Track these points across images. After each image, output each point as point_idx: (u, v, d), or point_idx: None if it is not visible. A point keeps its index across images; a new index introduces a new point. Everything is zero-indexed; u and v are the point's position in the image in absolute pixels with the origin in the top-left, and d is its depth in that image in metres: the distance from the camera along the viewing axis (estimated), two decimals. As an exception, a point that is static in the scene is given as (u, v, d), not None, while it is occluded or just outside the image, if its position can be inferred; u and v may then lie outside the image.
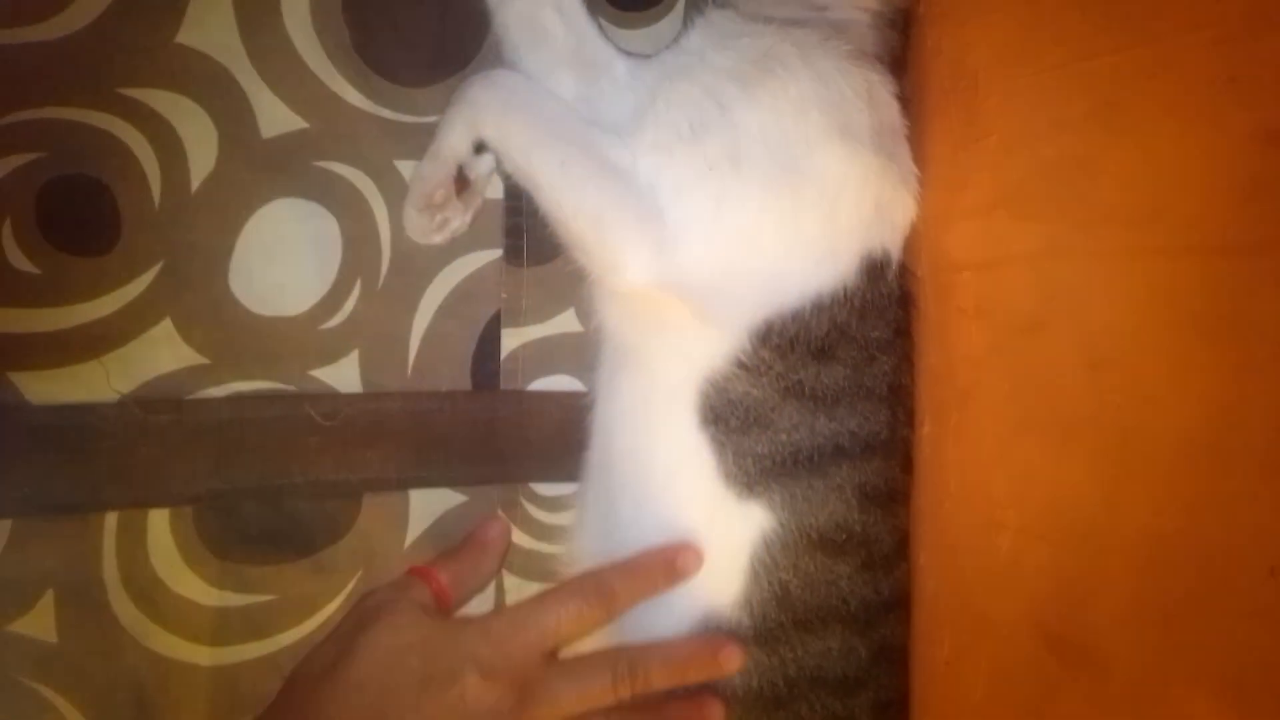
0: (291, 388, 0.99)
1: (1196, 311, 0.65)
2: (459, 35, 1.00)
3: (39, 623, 0.93)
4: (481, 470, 1.05)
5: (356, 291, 1.00)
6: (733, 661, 0.91)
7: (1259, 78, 0.61)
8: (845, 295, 0.91)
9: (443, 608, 0.90)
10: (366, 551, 1.02)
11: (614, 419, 1.00)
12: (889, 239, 0.94)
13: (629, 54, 1.01)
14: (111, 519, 0.95)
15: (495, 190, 1.03)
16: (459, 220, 1.01)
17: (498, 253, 1.04)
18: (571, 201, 0.91)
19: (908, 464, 0.98)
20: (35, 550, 0.92)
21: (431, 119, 0.98)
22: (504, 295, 1.05)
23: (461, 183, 1.00)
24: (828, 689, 0.94)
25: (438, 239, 1.01)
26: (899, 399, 0.96)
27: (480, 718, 0.82)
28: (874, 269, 0.93)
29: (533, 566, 1.07)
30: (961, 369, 0.92)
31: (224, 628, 0.98)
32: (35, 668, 0.93)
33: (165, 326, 0.94)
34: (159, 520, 0.96)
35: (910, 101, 0.96)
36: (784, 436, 0.92)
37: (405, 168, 1.00)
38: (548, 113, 0.96)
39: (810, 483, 0.92)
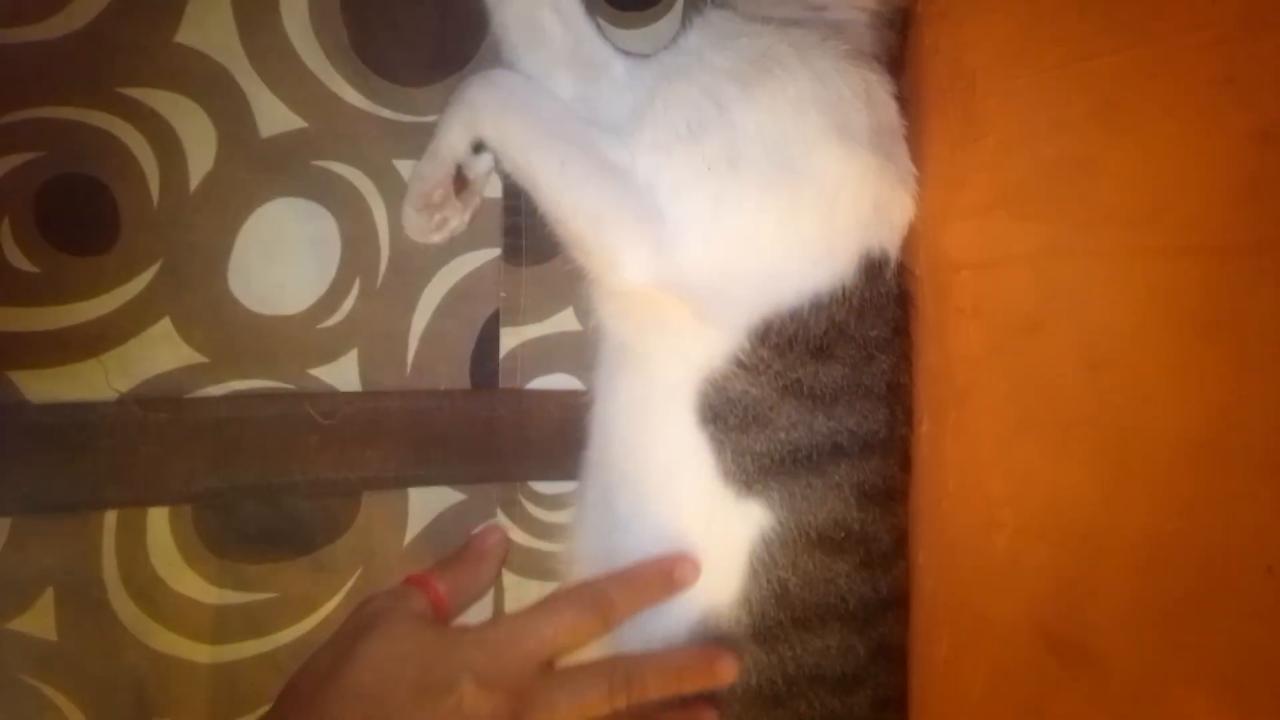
0: (290, 386, 0.99)
1: (1195, 311, 0.65)
2: (458, 35, 1.00)
3: (39, 621, 0.93)
4: (480, 469, 1.05)
5: (355, 290, 1.00)
6: (728, 671, 0.91)
7: (1257, 78, 0.61)
8: (843, 294, 0.91)
9: (440, 616, 0.90)
10: (365, 550, 1.02)
11: (613, 418, 1.00)
12: (887, 238, 0.94)
13: (627, 54, 1.01)
14: (111, 517, 0.95)
15: (494, 189, 1.03)
16: (457, 219, 1.01)
17: (496, 252, 1.04)
18: (570, 201, 0.91)
19: (906, 463, 0.98)
20: (35, 548, 0.93)
21: (430, 119, 0.98)
22: (503, 294, 1.05)
23: (460, 182, 1.00)
24: (826, 687, 0.95)
25: (436, 238, 1.01)
26: (897, 398, 0.96)
27: None
28: (872, 268, 0.93)
29: (532, 564, 1.07)
30: (960, 368, 0.92)
31: (223, 626, 0.98)
32: (35, 666, 0.93)
33: (164, 325, 0.95)
34: (158, 519, 0.96)
35: (908, 101, 0.96)
36: (783, 435, 0.92)
37: (404, 167, 1.00)
38: (546, 112, 0.96)
39: (809, 481, 0.92)
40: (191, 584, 0.97)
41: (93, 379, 0.93)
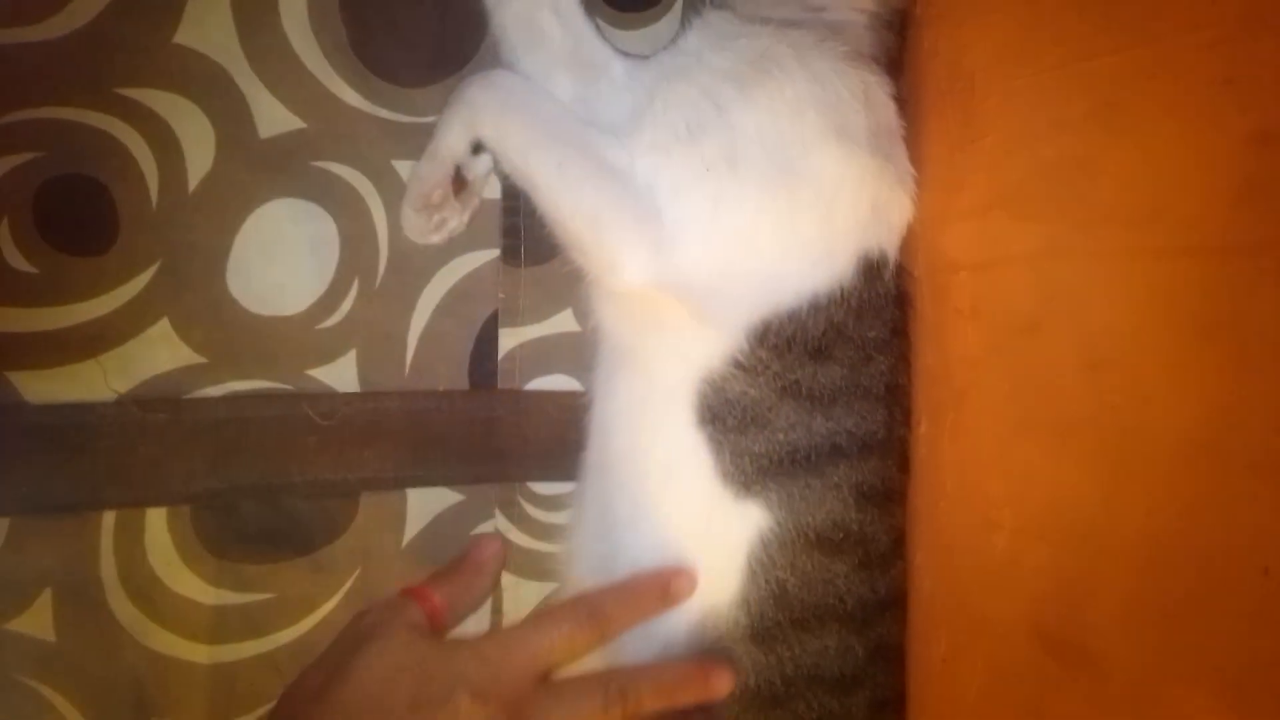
0: (289, 387, 0.99)
1: (1195, 312, 0.65)
2: (457, 35, 1.00)
3: (37, 621, 0.93)
4: (479, 469, 1.06)
5: (354, 291, 1.00)
6: (724, 684, 0.91)
7: (1257, 79, 0.61)
8: (842, 295, 0.91)
9: (436, 628, 0.90)
10: (364, 550, 1.02)
11: (611, 418, 1.00)
12: (886, 239, 0.94)
13: (626, 55, 1.01)
14: (109, 518, 0.95)
15: (493, 190, 1.03)
16: (456, 220, 1.01)
17: (495, 253, 1.04)
18: (569, 202, 0.91)
19: (904, 463, 0.98)
20: (33, 549, 0.93)
21: (429, 119, 0.98)
22: (501, 295, 1.05)
23: (459, 183, 1.00)
24: (825, 687, 0.94)
25: (435, 239, 1.01)
26: (896, 399, 0.96)
27: None
28: (871, 269, 0.93)
29: (531, 565, 1.08)
30: (958, 369, 0.92)
31: (222, 626, 0.98)
32: (34, 666, 0.93)
33: (163, 326, 0.95)
34: (157, 519, 0.96)
35: (907, 102, 0.96)
36: (781, 436, 0.92)
37: (403, 168, 1.00)
38: (545, 113, 0.96)
39: (807, 482, 0.92)
40: (190, 584, 0.97)
41: (91, 379, 0.93)
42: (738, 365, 0.91)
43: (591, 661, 0.91)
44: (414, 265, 1.02)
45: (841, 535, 0.93)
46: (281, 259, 0.98)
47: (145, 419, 0.94)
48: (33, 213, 0.90)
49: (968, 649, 0.89)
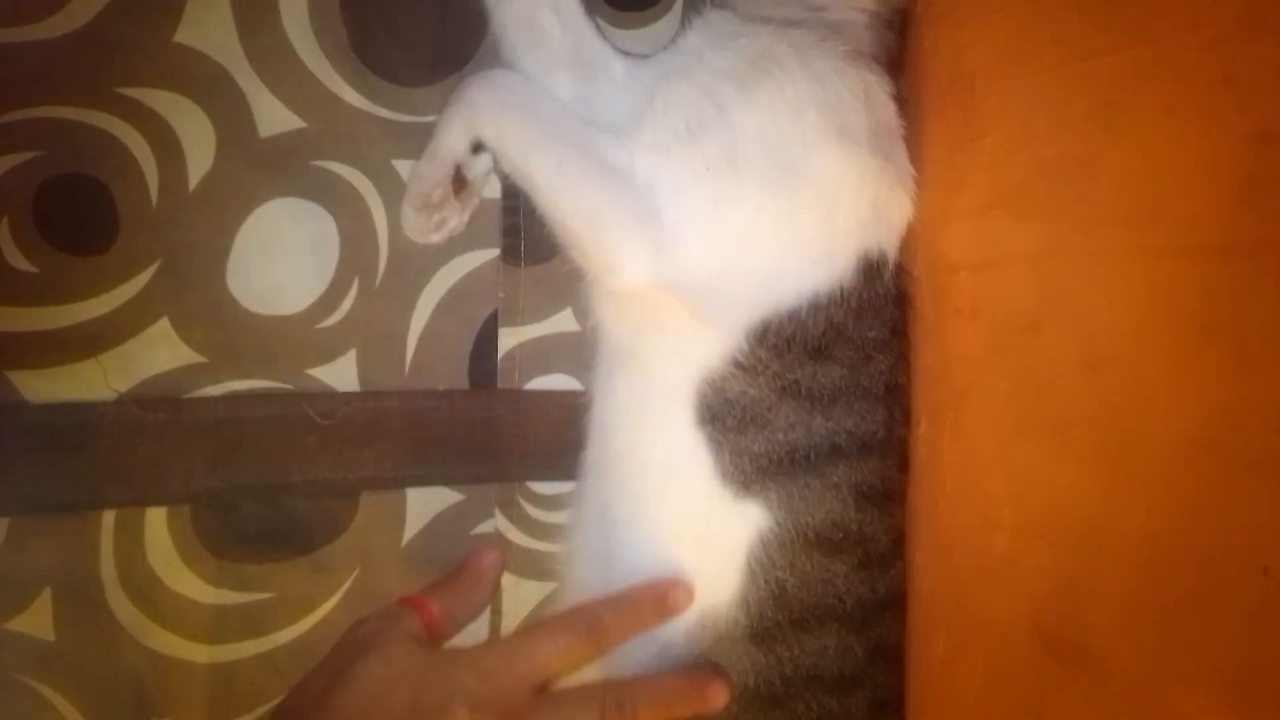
0: (289, 386, 0.99)
1: (1195, 311, 0.65)
2: (457, 35, 1.00)
3: (37, 621, 0.93)
4: (479, 469, 1.06)
5: (354, 290, 1.00)
6: (720, 697, 0.91)
7: (1257, 78, 0.61)
8: (842, 295, 0.91)
9: (434, 637, 0.90)
10: (364, 550, 1.02)
11: (611, 418, 1.00)
12: (886, 239, 0.94)
13: (627, 54, 1.01)
14: (109, 517, 0.95)
15: (493, 190, 1.03)
16: (456, 220, 1.01)
17: (495, 252, 1.04)
18: (569, 201, 0.91)
19: (904, 463, 0.98)
20: (33, 548, 0.93)
21: (429, 119, 0.98)
22: (501, 294, 1.05)
23: (459, 182, 1.00)
24: (824, 688, 0.94)
25: (435, 238, 1.01)
26: (895, 399, 0.96)
27: None
28: (871, 269, 0.93)
29: (530, 565, 1.08)
30: (958, 369, 0.92)
31: (222, 626, 0.98)
32: (33, 666, 0.93)
33: (163, 325, 0.95)
34: (157, 518, 0.96)
35: (907, 102, 0.96)
36: (780, 436, 0.92)
37: (403, 167, 1.00)
38: (545, 113, 0.96)
39: (807, 482, 0.92)
40: (190, 584, 0.97)
41: (91, 379, 0.93)
42: (737, 365, 0.91)
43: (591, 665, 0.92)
44: (414, 265, 1.02)
45: (841, 535, 0.93)
46: (281, 258, 0.98)
47: (145, 418, 0.94)
48: (33, 212, 0.90)
49: (967, 649, 0.89)
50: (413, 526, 1.04)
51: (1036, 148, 0.81)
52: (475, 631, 1.02)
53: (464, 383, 1.05)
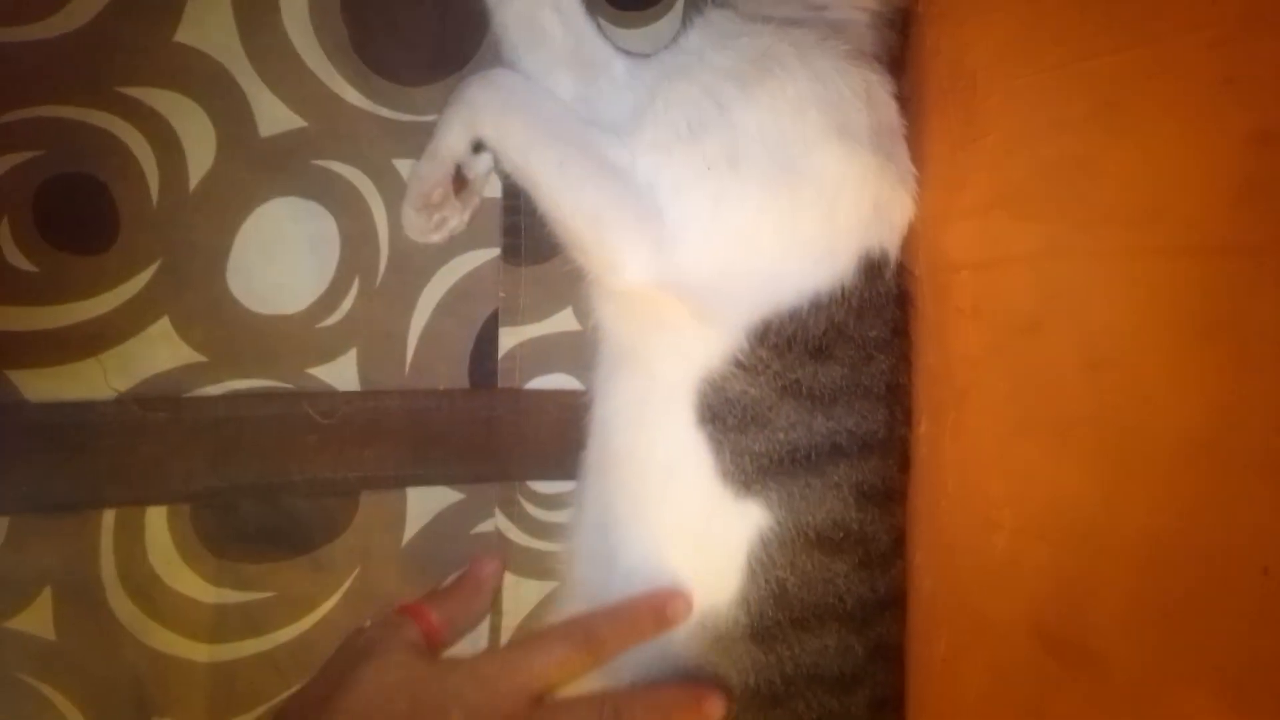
0: (289, 386, 0.99)
1: (1195, 312, 0.65)
2: (458, 34, 1.00)
3: (37, 620, 0.93)
4: (479, 468, 1.06)
5: (354, 290, 1.00)
6: (717, 709, 0.91)
7: (1257, 78, 0.61)
8: (843, 295, 0.91)
9: (433, 646, 0.90)
10: (364, 549, 1.02)
11: (612, 417, 1.00)
12: (887, 238, 0.94)
13: (628, 53, 1.01)
14: (109, 516, 0.95)
15: (493, 189, 1.03)
16: (457, 219, 1.01)
17: (495, 251, 1.04)
18: (570, 201, 0.91)
19: (905, 463, 0.98)
20: (33, 547, 0.93)
21: (430, 118, 0.98)
22: (502, 294, 1.05)
23: (460, 182, 1.00)
24: (824, 687, 0.94)
25: (436, 238, 1.01)
26: (896, 398, 0.96)
27: None
28: (872, 268, 0.93)
29: (531, 564, 1.08)
30: (959, 368, 0.92)
31: (222, 625, 0.98)
32: (34, 665, 0.93)
33: (163, 325, 0.94)
34: (157, 518, 0.96)
35: (909, 101, 0.96)
36: (781, 435, 0.92)
37: (404, 167, 1.00)
38: (546, 112, 0.96)
39: (808, 481, 0.92)
40: (190, 583, 0.97)
41: (92, 378, 0.93)
42: (738, 364, 0.91)
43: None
44: (414, 264, 1.02)
45: (842, 535, 0.93)
46: (282, 258, 0.98)
47: (145, 418, 0.94)
48: (33, 211, 0.90)
49: (968, 648, 0.89)
50: (413, 526, 1.04)
51: (1037, 147, 0.81)
52: (475, 632, 1.02)
53: (464, 382, 1.05)
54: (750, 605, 0.93)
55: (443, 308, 1.03)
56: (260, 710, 0.99)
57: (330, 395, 1.00)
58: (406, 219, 1.00)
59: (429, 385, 1.03)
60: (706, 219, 0.89)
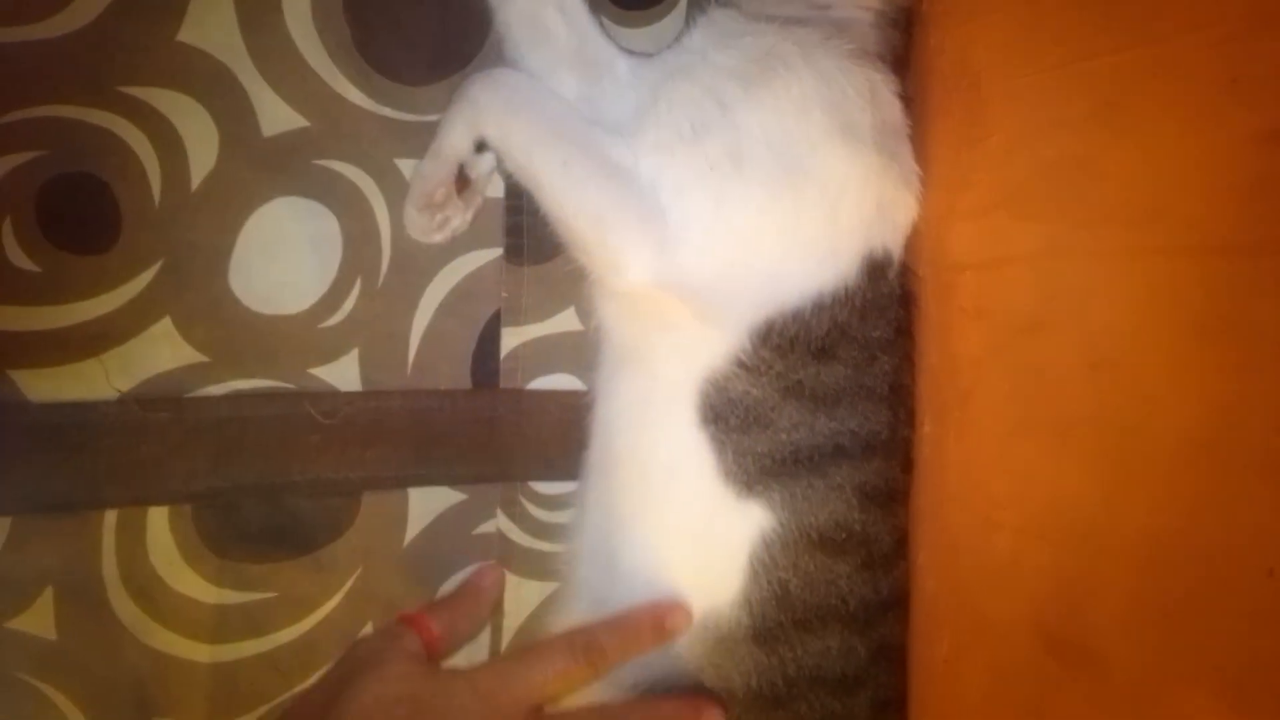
0: (291, 386, 0.99)
1: (1197, 312, 0.65)
2: (460, 34, 1.00)
3: (39, 620, 0.93)
4: (481, 469, 1.06)
5: (357, 290, 1.00)
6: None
7: (1261, 78, 0.61)
8: (846, 295, 0.91)
9: (434, 656, 0.90)
10: (366, 549, 1.02)
11: (614, 418, 1.00)
12: (890, 238, 0.94)
13: (631, 53, 1.01)
14: (111, 516, 0.95)
15: (496, 189, 1.03)
16: (459, 219, 1.01)
17: (498, 251, 1.04)
18: (572, 201, 0.91)
19: (908, 464, 0.98)
20: (35, 548, 0.92)
21: (432, 117, 0.98)
22: (504, 294, 1.05)
23: (462, 181, 1.00)
24: (827, 688, 0.94)
25: (438, 237, 1.01)
26: (900, 399, 0.96)
27: None
28: (875, 268, 0.93)
29: (533, 565, 1.07)
30: (962, 369, 0.92)
31: (223, 625, 0.98)
32: (35, 665, 0.93)
33: (165, 324, 0.94)
34: (158, 518, 0.96)
35: (912, 101, 0.96)
36: (784, 436, 0.92)
37: (406, 166, 0.99)
38: (549, 112, 0.96)
39: (810, 482, 0.92)
40: (191, 583, 0.97)
41: (93, 378, 0.93)
42: (741, 365, 0.91)
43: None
44: (417, 264, 1.02)
45: (844, 536, 0.93)
46: (284, 258, 0.98)
47: (147, 418, 0.94)
48: (35, 211, 0.90)
49: (970, 649, 0.89)
50: (415, 526, 1.04)
51: (1039, 147, 0.82)
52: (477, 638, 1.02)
53: (466, 382, 1.05)
54: (752, 606, 0.93)
55: (445, 308, 1.03)
56: (261, 711, 0.99)
57: (332, 395, 1.00)
58: (409, 218, 1.00)
59: (431, 385, 1.03)
60: (709, 219, 0.89)
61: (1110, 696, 0.71)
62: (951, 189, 0.93)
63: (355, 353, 1.01)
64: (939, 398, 0.95)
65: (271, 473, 0.98)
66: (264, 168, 0.96)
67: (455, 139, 0.96)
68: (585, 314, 1.06)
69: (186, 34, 0.92)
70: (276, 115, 0.96)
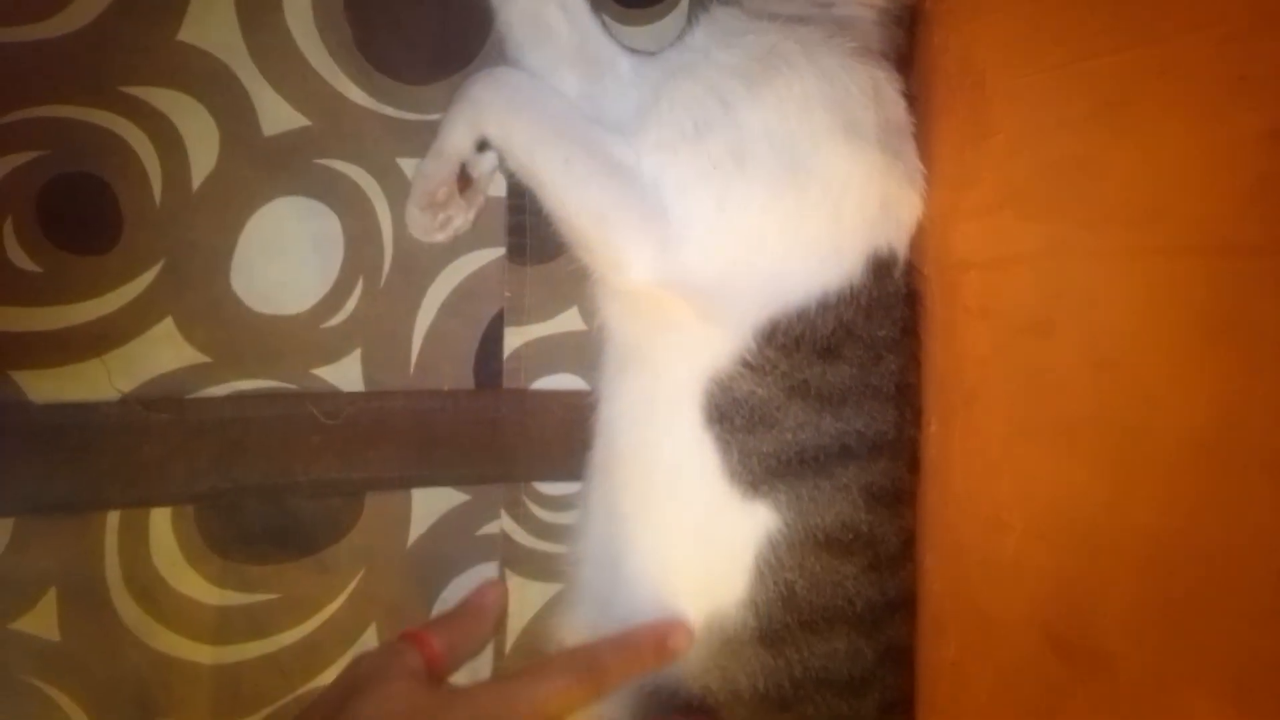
0: (293, 386, 0.99)
1: (1201, 311, 0.65)
2: (462, 32, 1.00)
3: (41, 621, 0.93)
4: (484, 469, 1.06)
5: (359, 290, 1.00)
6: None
7: (1263, 77, 0.61)
8: (851, 294, 0.91)
9: (435, 673, 0.89)
10: (368, 550, 1.02)
11: (618, 418, 1.00)
12: (895, 237, 0.94)
13: (633, 51, 1.01)
14: (113, 518, 0.95)
15: (498, 188, 1.03)
16: (461, 218, 1.01)
17: (500, 251, 1.04)
18: (575, 200, 0.91)
19: (914, 464, 0.97)
20: (37, 549, 0.93)
21: (434, 117, 0.98)
22: (507, 294, 1.05)
23: (464, 181, 1.00)
24: (834, 690, 0.94)
25: (440, 237, 1.01)
26: (906, 398, 0.96)
27: None
28: (880, 267, 0.92)
29: (536, 566, 1.08)
30: (968, 369, 0.91)
31: (226, 626, 0.98)
32: (38, 666, 0.93)
33: (167, 325, 0.94)
34: (161, 519, 0.96)
35: (917, 99, 0.96)
36: (789, 436, 0.91)
37: (408, 166, 0.99)
38: (551, 111, 0.96)
39: (816, 482, 0.92)
40: (194, 584, 0.97)
41: (95, 379, 0.93)
42: (745, 364, 0.90)
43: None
44: (419, 264, 1.02)
45: (851, 537, 0.92)
46: (285, 257, 0.98)
47: (149, 418, 0.94)
48: (36, 211, 0.90)
49: (976, 650, 0.89)
50: (418, 527, 1.04)
51: (1043, 146, 0.81)
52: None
53: (469, 382, 1.04)
54: (758, 608, 0.92)
55: (447, 307, 1.03)
56: (264, 712, 0.99)
57: (335, 396, 1.00)
58: (411, 218, 0.99)
59: (434, 386, 1.03)
60: (712, 218, 0.89)
61: (1115, 696, 0.71)
62: (956, 187, 0.93)
63: (357, 353, 1.00)
64: (945, 398, 0.95)
65: (274, 473, 0.98)
66: (265, 167, 0.96)
67: (457, 138, 0.96)
68: (588, 314, 1.06)
69: (187, 33, 0.92)
70: (277, 114, 0.96)
